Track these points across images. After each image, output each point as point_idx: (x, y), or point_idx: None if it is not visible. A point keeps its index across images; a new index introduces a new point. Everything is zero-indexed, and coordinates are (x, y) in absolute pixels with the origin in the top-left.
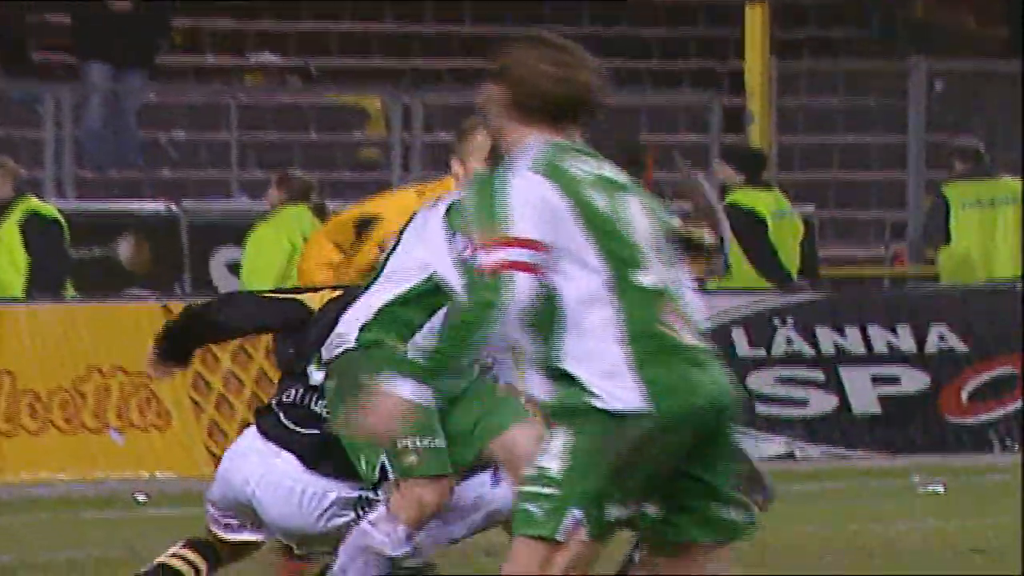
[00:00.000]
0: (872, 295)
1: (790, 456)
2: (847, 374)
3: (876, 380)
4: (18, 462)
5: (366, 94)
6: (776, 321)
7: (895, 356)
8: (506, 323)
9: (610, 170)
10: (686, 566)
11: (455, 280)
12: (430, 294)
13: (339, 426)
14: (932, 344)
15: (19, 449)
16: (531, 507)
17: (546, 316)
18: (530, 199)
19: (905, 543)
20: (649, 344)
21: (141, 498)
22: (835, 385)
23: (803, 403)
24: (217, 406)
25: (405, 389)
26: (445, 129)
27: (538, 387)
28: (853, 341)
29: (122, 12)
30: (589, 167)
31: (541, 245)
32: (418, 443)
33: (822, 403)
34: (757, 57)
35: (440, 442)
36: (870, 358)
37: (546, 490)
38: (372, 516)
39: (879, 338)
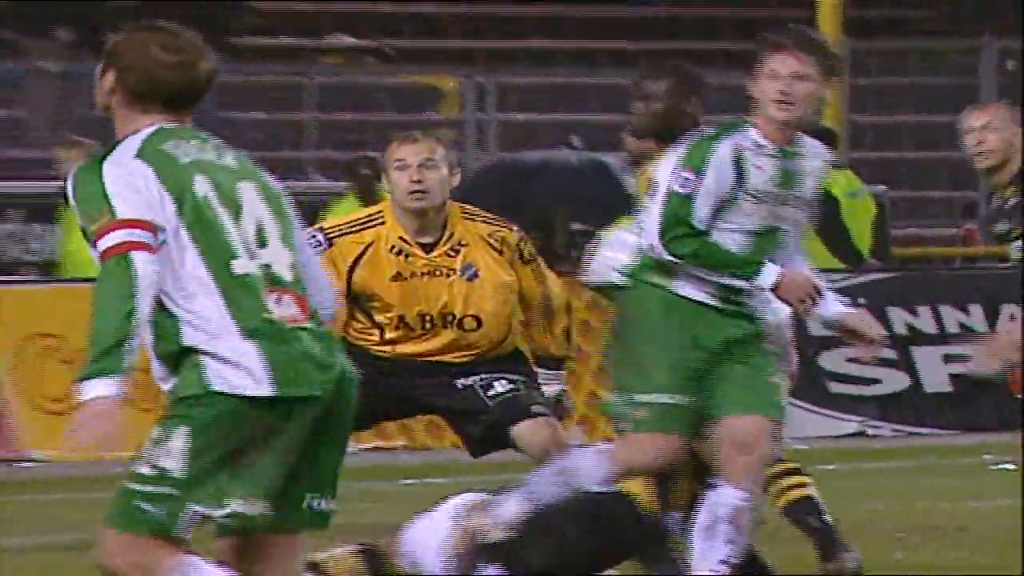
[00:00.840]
0: (943, 274)
1: (862, 434)
2: (919, 353)
3: (948, 359)
4: None
5: (441, 74)
6: (848, 300)
7: (966, 335)
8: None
9: (227, 155)
10: (263, 555)
11: None
12: None
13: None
14: (1003, 323)
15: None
16: (147, 505)
17: (158, 302)
18: (131, 183)
19: (976, 521)
20: (263, 330)
21: None
22: (907, 364)
23: (875, 382)
24: None
25: None
26: (519, 109)
27: (161, 376)
28: (925, 320)
29: None
30: (197, 152)
31: (149, 224)
32: (653, 399)
33: (894, 382)
34: (830, 36)
35: (677, 400)
36: (941, 337)
37: (164, 489)
38: (589, 448)
39: (950, 317)
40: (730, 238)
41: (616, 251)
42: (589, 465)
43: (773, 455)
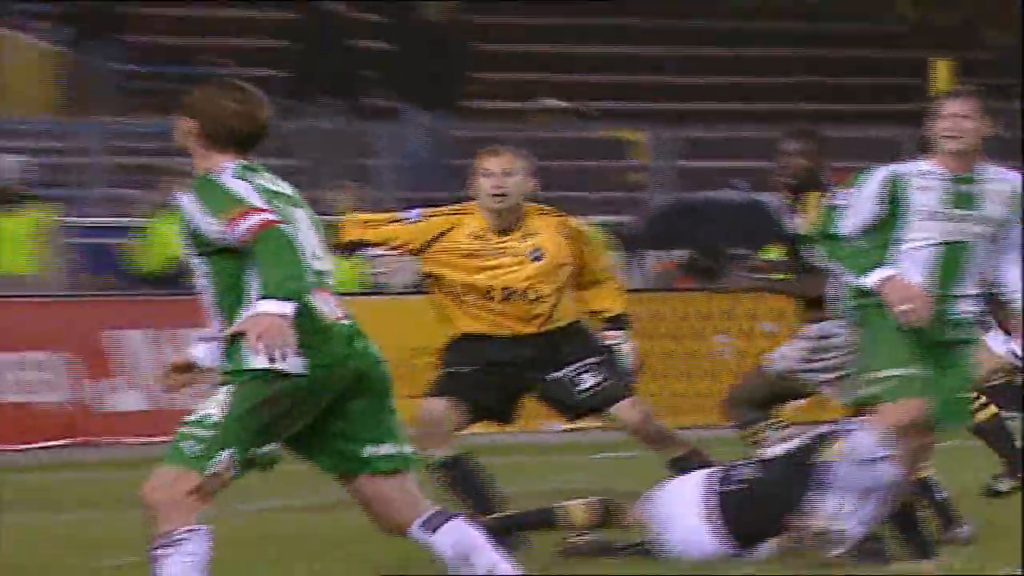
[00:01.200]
0: None
1: None
2: None
3: None
4: None
5: (630, 129)
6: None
7: None
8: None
9: (285, 186)
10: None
11: None
12: None
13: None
14: None
15: None
16: (186, 443)
17: (230, 290)
18: (247, 188)
19: None
20: (305, 321)
21: None
22: None
23: None
24: None
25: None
26: (692, 158)
27: (219, 352)
28: None
29: (433, 64)
30: (270, 183)
31: (270, 209)
32: (894, 372)
33: None
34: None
35: (913, 371)
36: None
37: (203, 432)
38: (854, 425)
39: None
40: (918, 253)
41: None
42: (863, 439)
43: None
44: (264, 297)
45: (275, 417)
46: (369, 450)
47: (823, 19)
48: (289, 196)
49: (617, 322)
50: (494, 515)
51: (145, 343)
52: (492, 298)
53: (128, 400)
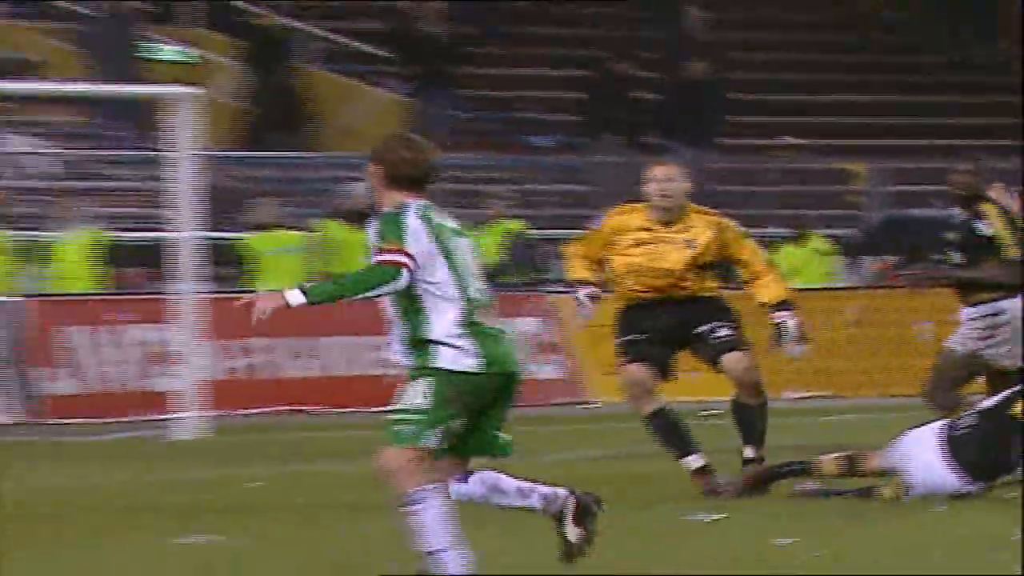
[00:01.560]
0: None
1: None
2: None
3: None
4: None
5: (854, 161)
6: None
7: None
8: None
9: (451, 221)
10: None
11: None
12: None
13: None
14: None
15: None
16: (402, 428)
17: (411, 304)
18: (416, 231)
19: None
20: (475, 329)
21: None
22: None
23: None
24: None
25: None
26: (901, 183)
27: (400, 353)
28: None
29: (695, 110)
30: (439, 219)
31: (415, 260)
32: None
33: None
34: None
35: None
36: None
37: (414, 417)
38: None
39: None
40: None
41: None
42: None
43: None
44: (302, 286)
45: (462, 404)
46: (497, 436)
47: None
48: (454, 228)
49: (782, 306)
50: (759, 466)
51: None
52: (654, 275)
53: None
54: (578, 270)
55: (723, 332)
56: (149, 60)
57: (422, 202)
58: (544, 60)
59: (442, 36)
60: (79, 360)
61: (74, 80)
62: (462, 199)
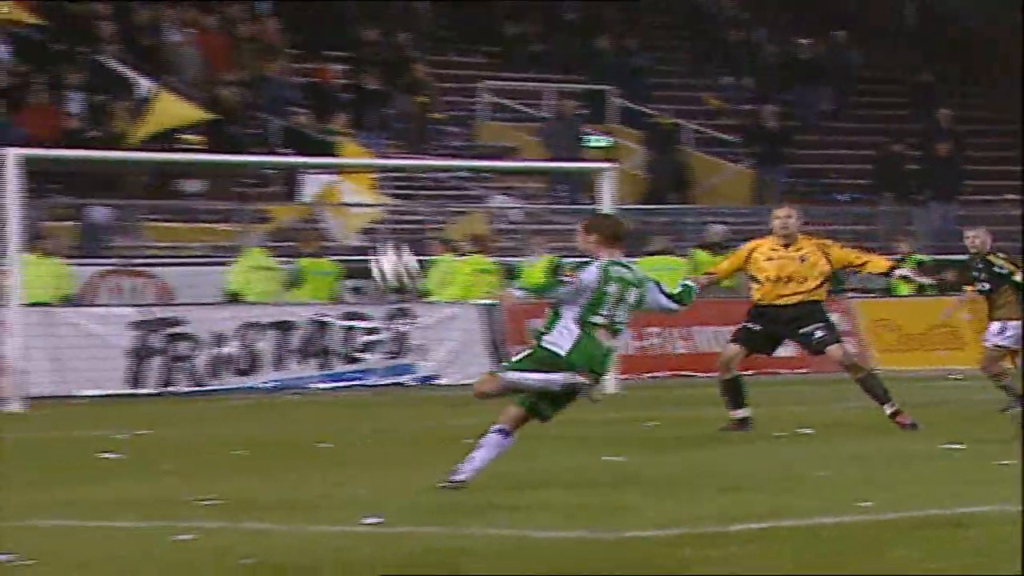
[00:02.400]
0: None
1: None
2: None
3: None
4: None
5: None
6: None
7: None
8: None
9: (626, 273)
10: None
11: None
12: None
13: None
14: None
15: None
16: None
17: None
18: (591, 272)
19: None
20: (590, 338)
21: None
22: None
23: None
24: None
25: None
26: None
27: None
28: None
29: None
30: (618, 272)
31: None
32: None
33: None
34: None
35: None
36: None
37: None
38: None
39: None
40: None
41: None
42: None
43: None
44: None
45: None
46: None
47: None
48: (629, 280)
49: (893, 270)
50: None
51: None
52: (778, 280)
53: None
54: (719, 266)
55: (819, 333)
56: (584, 145)
57: (611, 258)
58: (844, 143)
59: (777, 127)
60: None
61: (535, 159)
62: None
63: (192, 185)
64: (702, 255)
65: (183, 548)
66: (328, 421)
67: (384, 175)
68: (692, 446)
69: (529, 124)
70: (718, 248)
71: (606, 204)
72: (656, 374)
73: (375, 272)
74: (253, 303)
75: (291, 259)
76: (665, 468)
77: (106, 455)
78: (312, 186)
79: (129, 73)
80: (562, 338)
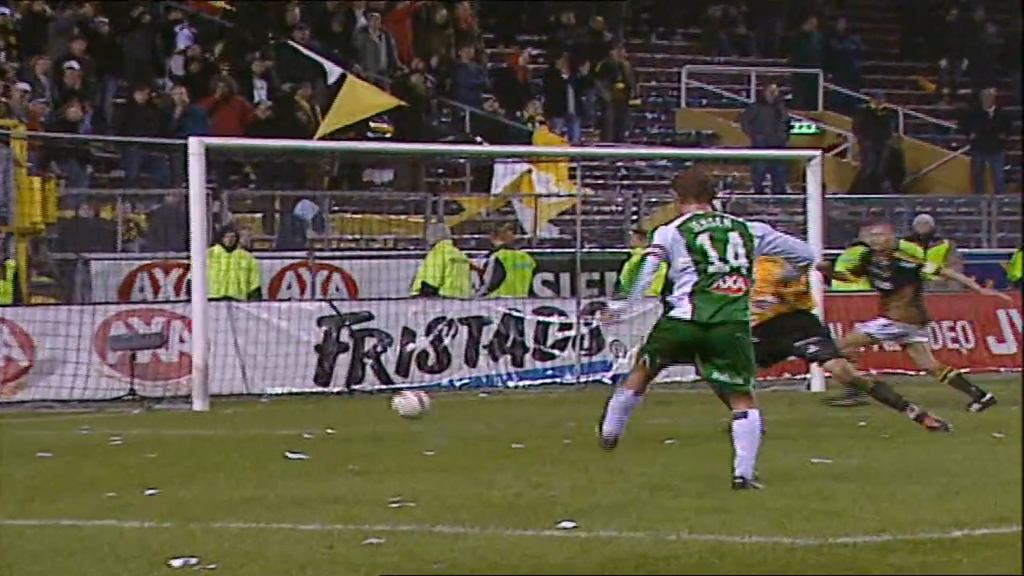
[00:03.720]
0: None
1: None
2: None
3: None
4: None
5: None
6: None
7: None
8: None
9: (725, 221)
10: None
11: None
12: None
13: None
14: None
15: None
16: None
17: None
18: (664, 236)
19: None
20: (700, 294)
21: None
22: None
23: None
24: None
25: None
26: None
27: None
28: None
29: None
30: (699, 223)
31: (661, 249)
32: None
33: None
34: None
35: None
36: None
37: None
38: None
39: None
40: None
41: None
42: None
43: None
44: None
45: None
46: (716, 374)
47: None
48: (725, 227)
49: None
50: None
51: None
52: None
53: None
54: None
55: (812, 349)
56: (790, 132)
57: (694, 212)
58: None
59: (994, 114)
60: None
61: (738, 147)
62: None
63: (381, 175)
64: (910, 247)
65: (373, 552)
66: (521, 420)
67: (579, 164)
68: (902, 446)
69: (732, 110)
70: (925, 240)
71: (813, 194)
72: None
73: (397, 406)
74: (444, 298)
75: (485, 252)
76: (876, 469)
77: (291, 455)
78: (505, 176)
79: (318, 60)
80: (682, 304)
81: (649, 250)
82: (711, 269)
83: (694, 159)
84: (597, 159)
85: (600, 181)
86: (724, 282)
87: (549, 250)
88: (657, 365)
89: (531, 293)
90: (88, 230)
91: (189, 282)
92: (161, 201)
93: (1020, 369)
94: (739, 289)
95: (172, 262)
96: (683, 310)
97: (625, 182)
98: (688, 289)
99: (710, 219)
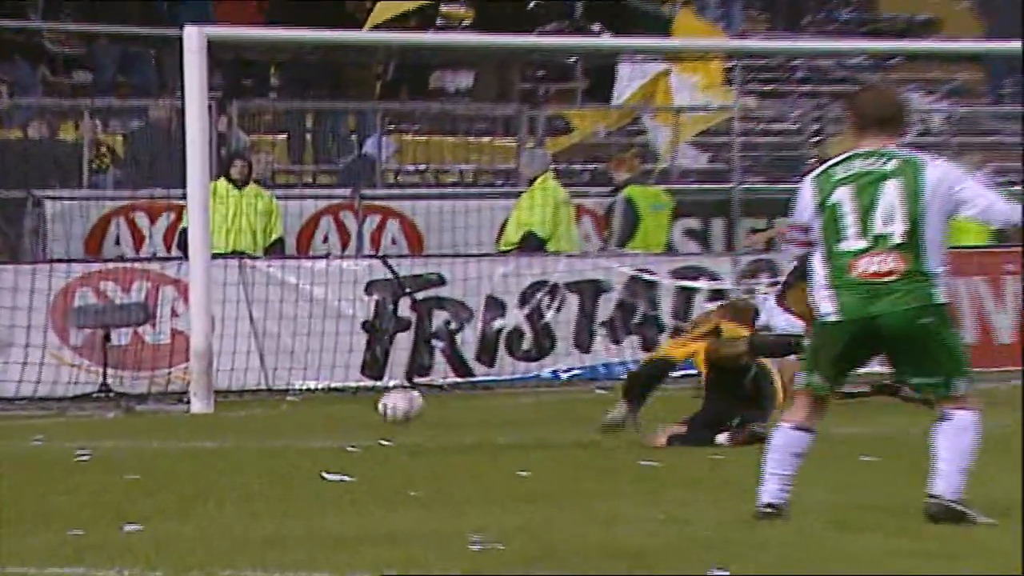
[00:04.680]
0: None
1: None
2: None
3: None
4: None
5: None
6: None
7: None
8: None
9: (878, 159)
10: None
11: None
12: None
13: None
14: None
15: None
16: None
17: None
18: (802, 194)
19: None
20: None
21: None
22: None
23: None
24: None
25: None
26: None
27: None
28: None
29: None
30: (857, 164)
31: (798, 227)
32: None
33: None
34: None
35: None
36: None
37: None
38: None
39: None
40: None
41: None
42: None
43: None
44: None
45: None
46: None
47: None
48: (868, 174)
49: None
50: None
51: None
52: None
53: None
54: None
55: None
56: None
57: (857, 151)
58: None
59: None
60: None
61: (966, 39)
62: None
63: (456, 80)
64: None
65: None
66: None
67: (738, 63)
68: None
69: None
70: None
71: None
72: None
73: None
74: (546, 255)
75: (605, 189)
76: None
77: (329, 476)
78: (632, 80)
79: None
80: (825, 299)
81: (786, 232)
82: (841, 246)
83: (902, 55)
84: (764, 56)
85: (769, 87)
86: (863, 263)
87: (694, 185)
88: (823, 387)
89: (668, 248)
90: (41, 157)
91: (184, 232)
92: (144, 116)
93: None
94: (889, 272)
95: (160, 203)
96: (827, 308)
97: (804, 88)
98: (825, 276)
99: (869, 160)
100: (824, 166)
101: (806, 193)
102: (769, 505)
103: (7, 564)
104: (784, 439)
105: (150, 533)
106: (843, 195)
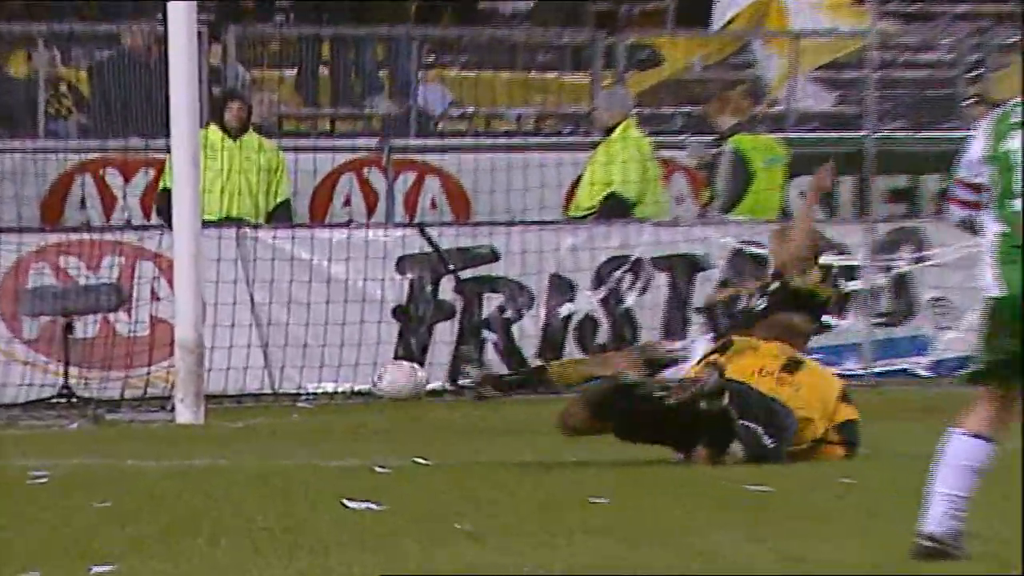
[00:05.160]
0: None
1: None
2: None
3: None
4: None
5: None
6: None
7: None
8: None
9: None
10: None
11: None
12: None
13: None
14: None
15: None
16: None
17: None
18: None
19: None
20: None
21: None
22: None
23: None
24: None
25: None
26: None
27: None
28: None
29: None
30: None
31: (961, 183)
32: None
33: None
34: None
35: None
36: None
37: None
38: None
39: None
40: None
41: None
42: None
43: None
44: None
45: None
46: None
47: None
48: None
49: None
50: None
51: None
52: None
53: None
54: None
55: None
56: None
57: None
58: None
59: None
60: None
61: None
62: None
63: (511, 3)
64: None
65: None
66: None
67: None
68: None
69: None
70: None
71: None
72: None
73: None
74: (628, 222)
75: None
76: None
77: (352, 504)
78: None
79: None
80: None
81: (952, 189)
82: (1015, 204)
83: None
84: None
85: (911, 9)
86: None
87: (814, 134)
88: (1002, 383)
89: (783, 214)
90: None
91: (167, 193)
92: (116, 45)
93: None
94: None
95: (137, 158)
96: (989, 282)
97: (960, 8)
98: (992, 242)
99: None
100: (1004, 109)
101: (977, 140)
102: (931, 537)
103: None
104: (960, 452)
105: (124, 574)
106: (1016, 143)
